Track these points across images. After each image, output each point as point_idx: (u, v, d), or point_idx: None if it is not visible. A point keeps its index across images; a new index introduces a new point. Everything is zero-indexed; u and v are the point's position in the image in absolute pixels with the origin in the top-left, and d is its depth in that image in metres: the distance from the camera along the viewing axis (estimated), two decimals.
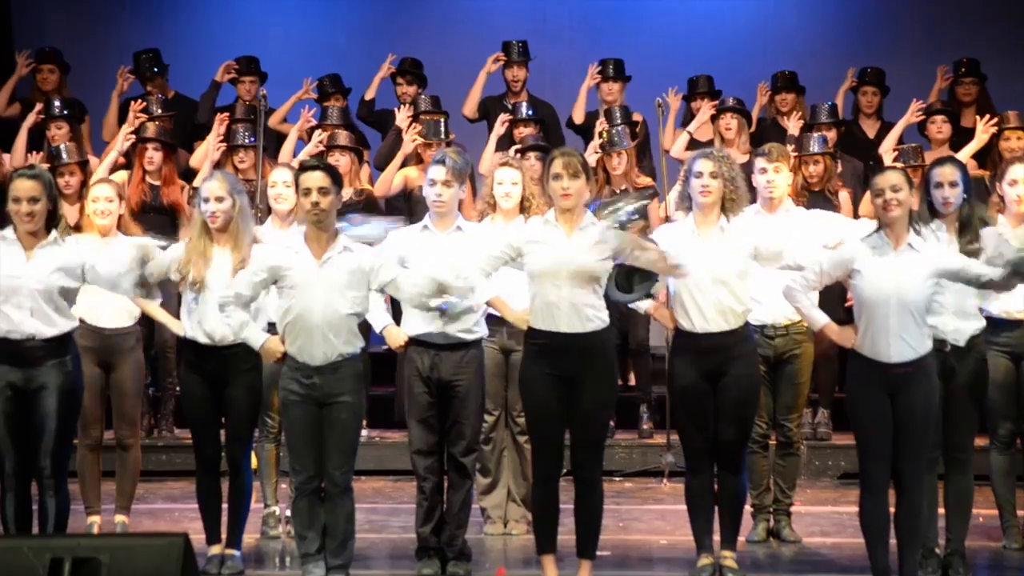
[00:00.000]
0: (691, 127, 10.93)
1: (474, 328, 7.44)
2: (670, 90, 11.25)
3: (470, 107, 11.56)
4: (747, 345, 7.20)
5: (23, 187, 6.93)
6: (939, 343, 6.97)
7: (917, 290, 6.68)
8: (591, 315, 6.80)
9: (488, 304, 7.15)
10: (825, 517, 8.97)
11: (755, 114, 11.27)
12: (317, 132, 10.54)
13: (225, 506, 7.52)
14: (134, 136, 10.26)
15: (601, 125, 10.61)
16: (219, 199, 7.39)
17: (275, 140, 11.12)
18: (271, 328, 7.12)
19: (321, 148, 10.25)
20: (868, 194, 8.24)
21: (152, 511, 9.10)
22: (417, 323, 7.41)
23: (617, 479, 10.10)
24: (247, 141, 10.23)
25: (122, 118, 10.81)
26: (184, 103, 11.56)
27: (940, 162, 7.38)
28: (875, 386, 6.70)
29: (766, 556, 7.96)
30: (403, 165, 10.46)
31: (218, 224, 7.37)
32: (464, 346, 7.41)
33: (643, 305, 7.27)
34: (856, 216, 9.78)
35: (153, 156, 10.16)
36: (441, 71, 11.96)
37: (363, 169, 10.80)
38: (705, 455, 7.20)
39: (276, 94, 11.13)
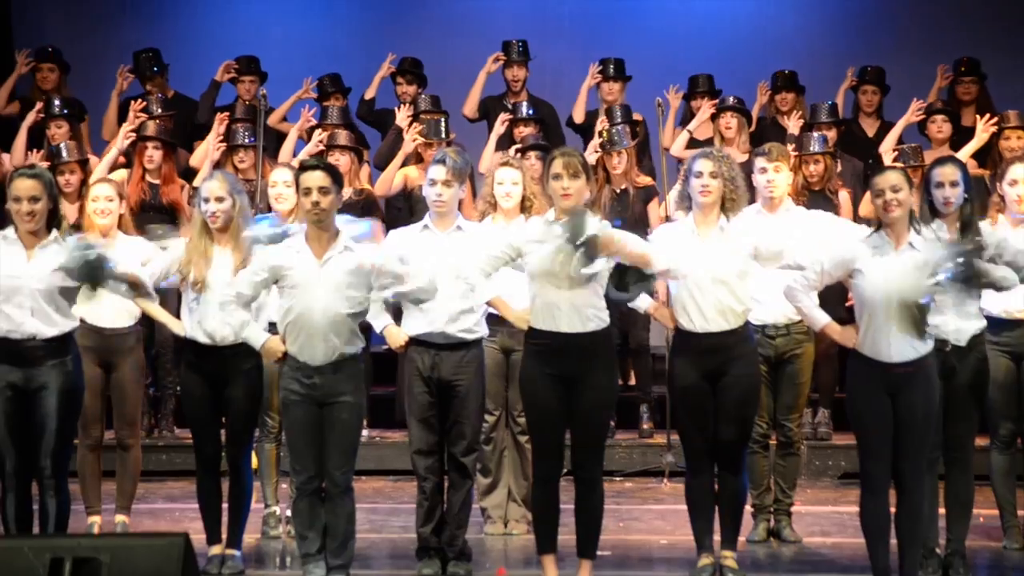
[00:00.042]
0: (691, 126, 10.93)
1: (475, 328, 7.44)
2: (671, 88, 11.26)
3: (470, 107, 11.56)
4: (747, 345, 7.19)
5: (24, 186, 6.93)
6: (940, 343, 6.97)
7: (918, 290, 6.67)
8: (591, 315, 6.80)
9: (488, 304, 7.15)
10: (825, 517, 8.97)
11: (755, 113, 11.27)
12: (317, 132, 10.54)
13: (225, 506, 7.52)
14: (134, 134, 10.26)
15: (602, 124, 10.61)
16: (219, 199, 7.39)
17: (275, 140, 11.12)
18: (272, 328, 7.12)
19: (321, 148, 10.25)
20: (868, 194, 8.24)
21: (152, 511, 9.10)
22: (417, 323, 7.41)
23: (617, 479, 10.10)
24: (247, 141, 10.23)
25: (122, 118, 10.81)
26: (184, 103, 11.56)
27: (941, 162, 7.38)
28: (876, 386, 6.69)
29: (766, 556, 7.96)
30: (403, 164, 10.46)
31: (218, 224, 7.38)
32: (464, 346, 7.40)
33: (643, 305, 7.27)
34: (856, 215, 9.81)
35: (153, 155, 10.17)
36: (441, 71, 11.96)
37: (363, 169, 10.80)
38: (705, 455, 7.19)
39: (276, 94, 11.14)
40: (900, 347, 6.67)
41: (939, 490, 7.36)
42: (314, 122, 10.84)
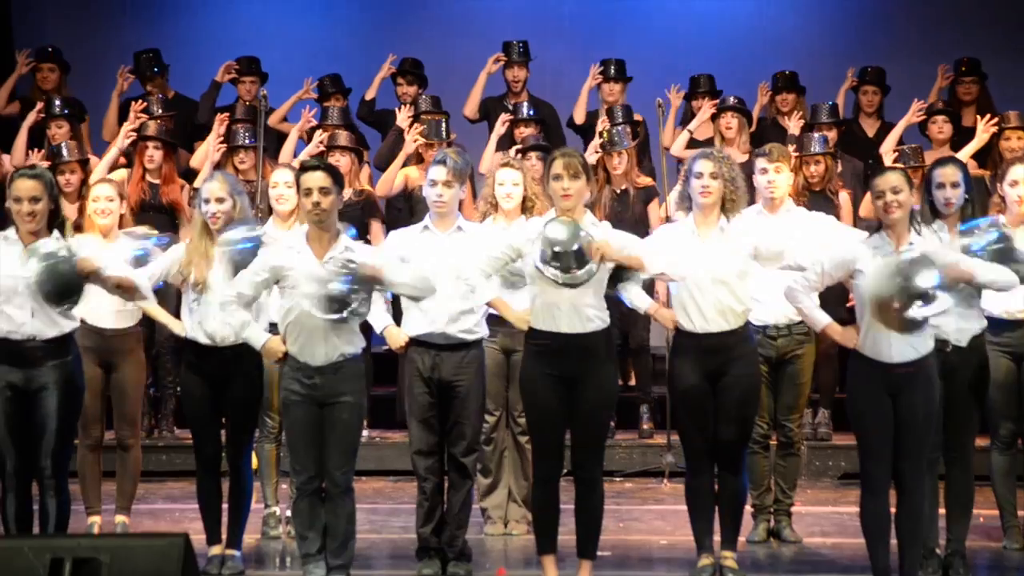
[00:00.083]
0: (691, 126, 10.93)
1: (475, 328, 7.44)
2: (672, 87, 11.25)
3: (471, 108, 11.56)
4: (747, 345, 7.20)
5: (24, 187, 6.92)
6: (940, 343, 6.97)
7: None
8: (591, 315, 6.80)
9: (489, 305, 7.15)
10: (825, 517, 8.97)
11: (755, 114, 11.27)
12: (317, 132, 10.54)
13: (225, 506, 7.52)
14: (135, 134, 10.26)
15: (603, 124, 10.61)
16: (219, 200, 7.39)
17: (275, 140, 11.12)
18: (273, 328, 7.12)
19: (321, 148, 10.25)
20: (868, 195, 8.24)
21: (152, 511, 9.10)
22: (418, 323, 7.41)
23: (617, 479, 10.10)
24: (247, 142, 10.23)
25: (122, 118, 10.81)
26: (184, 103, 11.55)
27: (942, 162, 7.39)
28: (876, 386, 6.69)
29: (766, 556, 7.96)
30: (404, 165, 10.46)
31: (219, 225, 7.38)
32: (465, 346, 7.40)
33: (643, 305, 7.28)
34: (856, 216, 9.81)
35: (153, 155, 10.17)
36: (441, 71, 11.96)
37: (363, 170, 10.80)
38: (705, 455, 7.19)
39: (276, 94, 11.13)
40: (901, 347, 6.67)
41: (939, 490, 7.36)
42: (315, 123, 10.84)
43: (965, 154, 10.05)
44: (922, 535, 6.92)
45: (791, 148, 9.16)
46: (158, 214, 9.98)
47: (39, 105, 10.81)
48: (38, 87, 11.52)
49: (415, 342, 7.43)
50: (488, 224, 8.00)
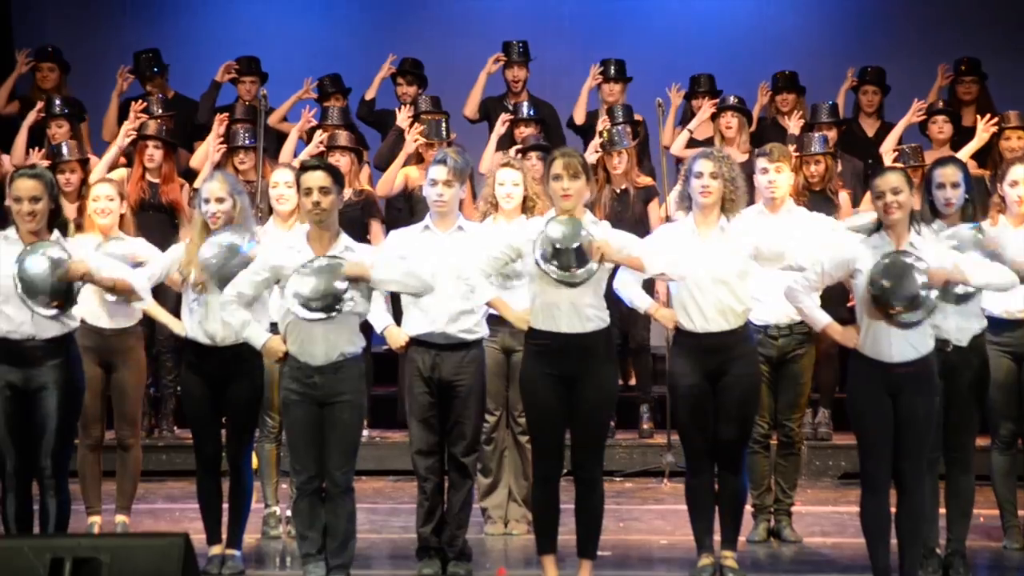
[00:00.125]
0: (691, 125, 10.93)
1: (475, 328, 7.44)
2: (673, 86, 11.25)
3: (471, 108, 11.56)
4: (748, 345, 7.20)
5: (24, 186, 6.92)
6: (941, 343, 6.96)
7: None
8: (591, 315, 6.80)
9: (488, 304, 7.14)
10: (826, 517, 8.97)
11: (755, 114, 11.27)
12: (317, 132, 10.54)
13: (226, 506, 7.52)
14: (135, 133, 10.26)
15: (604, 124, 10.61)
16: (219, 200, 7.39)
17: (275, 141, 11.12)
18: (273, 328, 7.12)
19: (321, 148, 10.24)
20: (868, 194, 8.24)
21: (152, 511, 9.10)
22: (418, 323, 7.41)
23: (617, 479, 10.10)
24: (247, 142, 10.23)
25: (122, 118, 10.80)
26: (184, 103, 11.55)
27: (942, 162, 7.39)
28: (876, 386, 6.69)
29: (767, 556, 7.96)
30: (404, 165, 10.45)
31: (219, 225, 7.38)
32: (465, 346, 7.40)
33: (643, 305, 7.28)
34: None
35: (153, 154, 10.17)
36: (441, 71, 11.96)
37: (363, 169, 10.80)
38: (705, 455, 7.19)
39: (276, 94, 11.13)
40: (901, 347, 6.67)
41: (939, 490, 7.36)
42: (315, 123, 10.84)
43: (965, 154, 10.05)
44: (922, 535, 6.92)
45: (791, 148, 9.16)
46: (158, 213, 9.99)
47: (39, 104, 10.81)
48: (38, 86, 11.52)
49: (415, 342, 7.43)
50: (488, 224, 8.00)
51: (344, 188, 7.31)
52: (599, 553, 7.02)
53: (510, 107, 11.24)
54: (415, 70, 11.63)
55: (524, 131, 10.77)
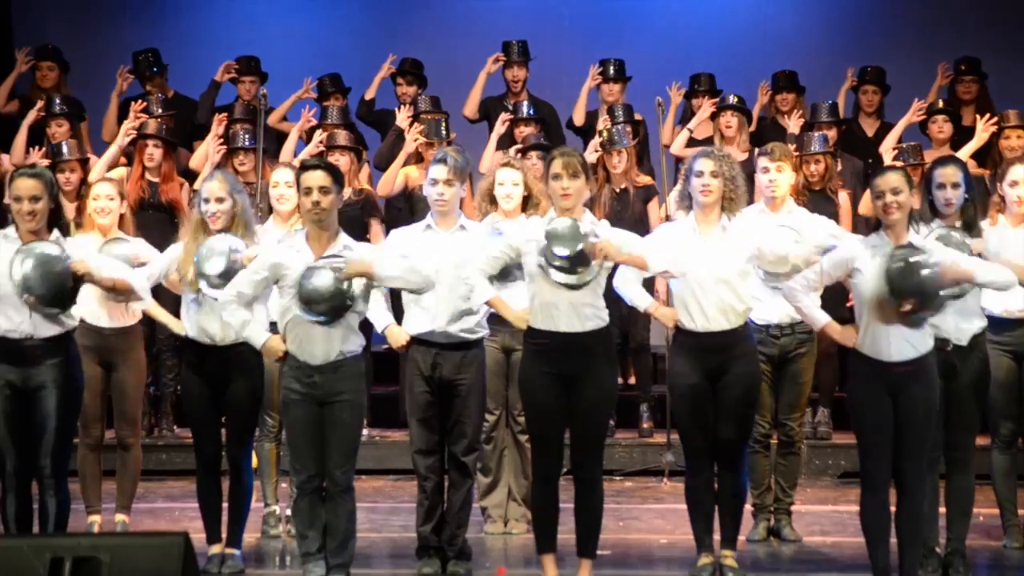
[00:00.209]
0: (691, 124, 10.93)
1: (476, 328, 7.44)
2: (673, 84, 11.25)
3: (470, 108, 11.56)
4: (748, 344, 7.20)
5: (24, 186, 6.91)
6: (941, 342, 6.96)
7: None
8: (590, 314, 6.80)
9: (488, 304, 7.14)
10: (825, 516, 8.97)
11: (755, 113, 11.27)
12: (317, 132, 10.54)
13: (225, 505, 7.52)
14: (135, 132, 10.26)
15: (604, 123, 10.61)
16: (219, 200, 7.39)
17: (275, 141, 11.12)
18: (273, 327, 7.12)
19: (321, 148, 10.24)
20: (867, 193, 8.24)
21: (152, 510, 9.10)
22: (419, 322, 7.41)
23: (617, 478, 10.10)
24: (247, 144, 10.23)
25: (122, 119, 10.80)
26: (184, 103, 11.56)
27: (942, 162, 7.38)
28: (876, 385, 6.69)
29: (766, 555, 7.96)
30: (404, 164, 10.45)
31: (219, 225, 7.37)
32: (466, 345, 7.40)
33: (643, 304, 7.28)
34: (856, 215, 9.82)
35: (153, 153, 10.17)
36: (441, 71, 11.96)
37: (363, 169, 10.80)
38: (705, 454, 7.19)
39: (276, 94, 11.14)
40: (900, 346, 6.67)
41: (939, 489, 7.35)
42: (315, 122, 10.84)
43: (965, 153, 10.04)
44: (922, 534, 6.92)
45: (791, 147, 9.16)
46: (157, 213, 10.00)
47: (39, 104, 10.81)
48: (37, 86, 11.52)
49: (416, 341, 7.43)
50: (488, 222, 7.99)
51: (344, 188, 7.30)
52: (599, 552, 7.02)
53: (510, 107, 11.24)
54: (415, 70, 11.63)
55: (524, 131, 10.77)
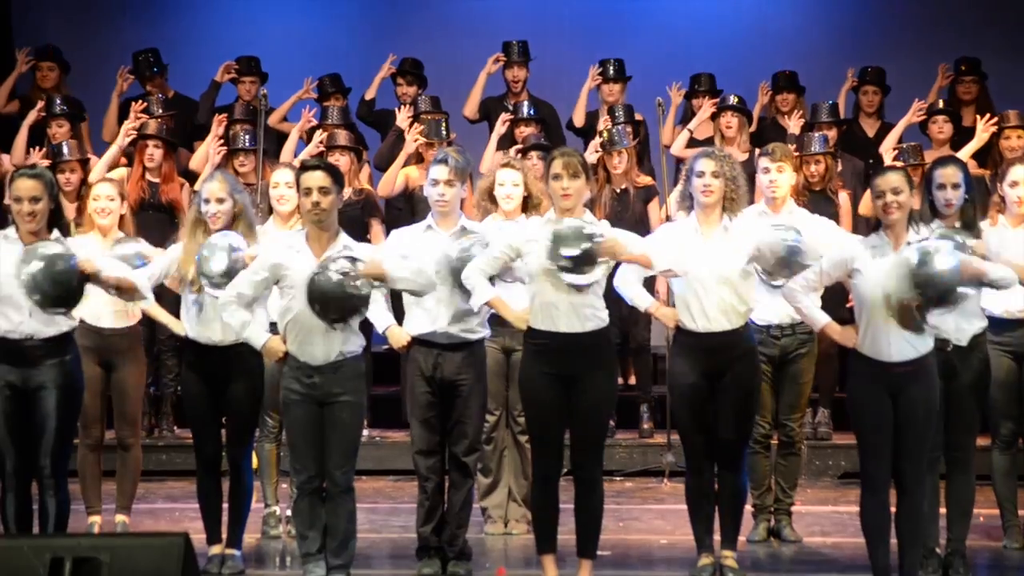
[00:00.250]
0: (691, 125, 10.93)
1: (477, 328, 7.44)
2: (673, 84, 11.25)
3: (471, 108, 11.56)
4: (748, 344, 7.20)
5: (24, 186, 6.91)
6: (941, 342, 6.96)
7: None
8: (590, 315, 6.80)
9: (488, 304, 7.14)
10: (825, 517, 8.97)
11: (756, 114, 11.27)
12: (317, 132, 10.53)
13: (226, 506, 7.52)
14: (135, 132, 10.26)
15: (605, 123, 10.61)
16: (220, 200, 7.39)
17: (275, 141, 11.12)
18: (273, 328, 7.11)
19: (321, 148, 10.24)
20: (867, 193, 8.24)
21: (152, 511, 9.10)
22: (420, 323, 7.41)
23: (617, 479, 10.10)
24: (247, 145, 10.23)
25: (122, 119, 10.80)
26: (184, 103, 11.55)
27: (943, 162, 7.38)
28: (876, 385, 6.69)
29: (767, 556, 7.96)
30: (404, 165, 10.45)
31: (219, 225, 7.37)
32: (467, 346, 7.40)
33: (644, 304, 7.28)
34: (856, 215, 9.82)
35: (153, 153, 10.18)
36: (441, 71, 11.96)
37: (363, 169, 10.80)
38: (705, 455, 7.19)
39: (276, 94, 11.14)
40: (900, 347, 6.67)
41: (939, 490, 7.35)
42: (315, 123, 10.84)
43: (965, 154, 10.04)
44: (922, 535, 6.91)
45: (791, 148, 9.16)
46: (158, 213, 10.00)
47: (40, 104, 10.81)
48: (38, 86, 11.52)
49: (417, 341, 7.43)
50: (488, 222, 7.99)
51: (344, 188, 7.29)
52: (599, 553, 7.02)
53: (510, 107, 11.24)
54: (415, 70, 11.63)
55: (524, 131, 10.77)
